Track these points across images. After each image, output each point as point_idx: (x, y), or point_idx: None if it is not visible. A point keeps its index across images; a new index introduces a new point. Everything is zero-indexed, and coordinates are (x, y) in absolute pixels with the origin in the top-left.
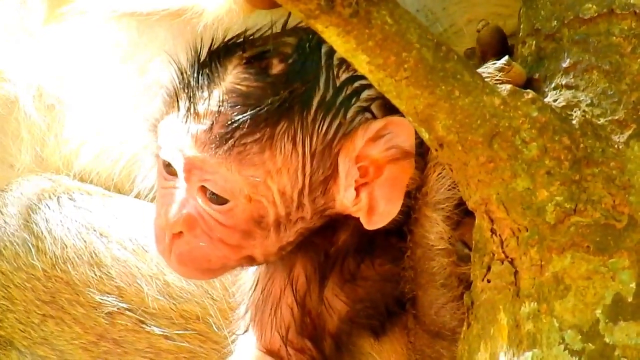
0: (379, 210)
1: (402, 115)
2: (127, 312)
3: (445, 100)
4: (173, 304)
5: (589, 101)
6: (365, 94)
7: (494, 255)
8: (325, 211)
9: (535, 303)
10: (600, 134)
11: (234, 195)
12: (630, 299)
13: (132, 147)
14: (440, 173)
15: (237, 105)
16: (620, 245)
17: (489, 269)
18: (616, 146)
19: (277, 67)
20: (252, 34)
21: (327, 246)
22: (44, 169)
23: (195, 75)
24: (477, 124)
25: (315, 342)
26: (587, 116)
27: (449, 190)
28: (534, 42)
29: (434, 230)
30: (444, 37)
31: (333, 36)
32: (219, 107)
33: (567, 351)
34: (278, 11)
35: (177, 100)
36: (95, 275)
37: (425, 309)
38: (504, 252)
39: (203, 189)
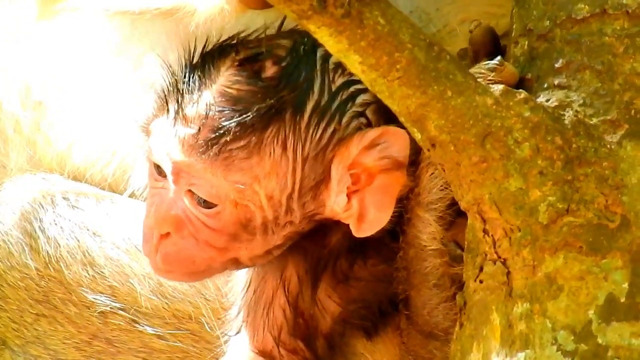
0: (368, 218)
1: (396, 122)
2: (120, 312)
3: (438, 100)
4: (166, 303)
5: (582, 101)
6: (360, 99)
7: (486, 255)
8: (315, 216)
9: (528, 303)
10: (593, 133)
11: (220, 199)
12: (623, 300)
13: (125, 146)
14: (433, 173)
15: (225, 110)
16: (613, 246)
17: (481, 269)
18: (609, 146)
19: (270, 70)
20: (246, 36)
21: (320, 247)
22: (36, 169)
23: (186, 77)
24: (470, 123)
25: (308, 343)
26: (579, 116)
27: (441, 190)
28: (527, 42)
29: (427, 230)
30: (438, 38)
31: (325, 37)
32: (207, 111)
33: (559, 352)
34: (270, 11)
35: (167, 103)
36: (89, 274)
37: (418, 309)
38: (496, 252)
39: (191, 192)
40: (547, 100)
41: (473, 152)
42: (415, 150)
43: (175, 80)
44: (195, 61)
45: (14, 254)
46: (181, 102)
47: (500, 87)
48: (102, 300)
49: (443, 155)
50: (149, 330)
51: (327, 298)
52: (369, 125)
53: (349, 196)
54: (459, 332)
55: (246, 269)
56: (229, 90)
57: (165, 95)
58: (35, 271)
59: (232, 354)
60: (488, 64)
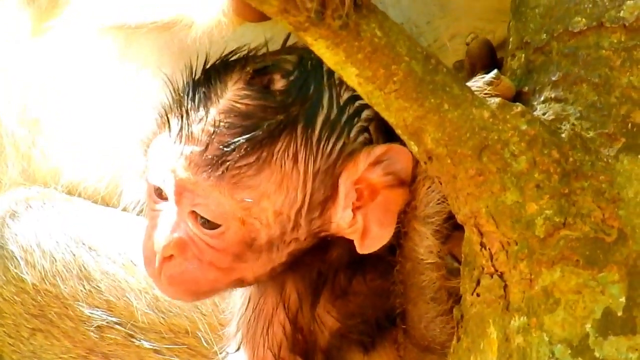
0: (371, 234)
1: (397, 141)
2: (117, 326)
3: (435, 113)
4: (162, 318)
5: (578, 114)
6: (364, 114)
7: (483, 268)
8: (320, 232)
9: (525, 317)
10: (590, 147)
11: (226, 219)
12: (620, 313)
13: (118, 160)
14: (430, 187)
15: (233, 126)
16: (609, 259)
17: (478, 282)
18: (605, 159)
19: (279, 83)
20: (250, 51)
21: (319, 263)
22: (31, 183)
23: (189, 94)
24: (467, 136)
25: (307, 359)
26: (576, 129)
27: (438, 204)
28: (523, 55)
29: (424, 244)
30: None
31: (322, 49)
32: (215, 127)
33: None
34: (267, 25)
35: (169, 120)
36: (85, 289)
37: (414, 322)
38: (493, 265)
39: (194, 213)
40: (544, 114)
41: (470, 165)
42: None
43: (178, 97)
44: (198, 77)
45: (10, 268)
46: (186, 119)
47: (497, 100)
48: (98, 315)
49: (440, 168)
50: (146, 344)
51: (325, 313)
52: (372, 141)
53: (353, 212)
54: (456, 346)
55: None
56: (238, 105)
57: (166, 113)
58: (31, 285)
59: None
60: (484, 77)
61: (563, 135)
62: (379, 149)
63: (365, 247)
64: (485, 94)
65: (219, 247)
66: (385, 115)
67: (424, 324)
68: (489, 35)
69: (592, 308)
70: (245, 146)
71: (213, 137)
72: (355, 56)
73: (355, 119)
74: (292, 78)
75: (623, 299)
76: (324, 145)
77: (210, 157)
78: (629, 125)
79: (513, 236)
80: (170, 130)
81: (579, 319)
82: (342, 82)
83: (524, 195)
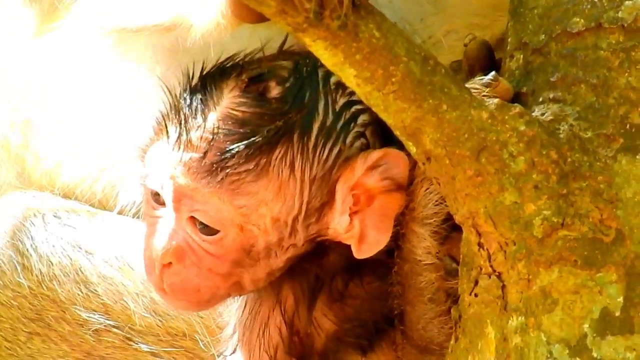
0: (368, 239)
1: (391, 144)
2: (114, 330)
3: (433, 114)
4: (160, 321)
5: (577, 115)
6: (361, 119)
7: (481, 269)
8: (317, 238)
9: (523, 317)
10: (588, 147)
11: (225, 225)
12: (617, 313)
13: (115, 162)
14: (428, 188)
15: (231, 133)
16: (607, 260)
17: (476, 283)
18: (604, 160)
19: (274, 91)
20: (244, 57)
21: (316, 267)
22: (27, 186)
23: (187, 101)
24: (465, 137)
25: None
26: (574, 130)
27: (436, 205)
28: (522, 56)
29: (422, 245)
30: (424, 47)
31: (320, 49)
32: (213, 134)
33: None
34: (266, 26)
35: (167, 126)
36: (82, 292)
37: (413, 323)
38: (491, 266)
39: (192, 219)
40: (542, 114)
41: (468, 166)
42: (410, 167)
43: (176, 103)
44: (194, 84)
45: (7, 272)
46: (184, 126)
47: (496, 100)
48: (95, 318)
49: (438, 169)
50: (143, 347)
51: (322, 316)
52: (368, 146)
53: (350, 217)
54: (454, 346)
55: None
56: (235, 112)
57: (164, 120)
58: (28, 290)
59: None
60: (483, 79)
61: (561, 136)
62: (375, 154)
63: (362, 252)
64: (484, 95)
65: (217, 254)
66: (383, 116)
67: (422, 324)
68: (485, 31)
69: (590, 308)
70: (243, 153)
71: (212, 143)
72: (354, 57)
73: (352, 125)
74: (287, 85)
75: (621, 299)
76: (320, 152)
77: (209, 163)
78: (627, 125)
79: (511, 237)
80: (168, 137)
81: (576, 319)
82: (337, 88)
83: (522, 195)
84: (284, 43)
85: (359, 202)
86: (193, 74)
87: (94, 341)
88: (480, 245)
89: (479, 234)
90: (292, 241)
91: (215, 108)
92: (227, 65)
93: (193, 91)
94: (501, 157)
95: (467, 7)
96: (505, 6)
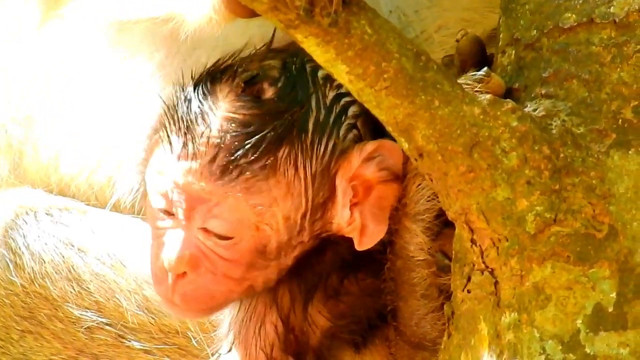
0: (369, 231)
1: (386, 134)
2: (107, 327)
3: (425, 110)
4: (152, 318)
5: (569, 110)
6: (351, 111)
7: (474, 265)
8: (322, 234)
9: (516, 313)
10: (580, 143)
11: (241, 226)
12: (610, 309)
13: (112, 157)
14: (420, 184)
15: (238, 134)
16: (600, 255)
17: (469, 279)
18: (596, 155)
19: (268, 92)
20: (231, 58)
21: (313, 264)
22: (21, 181)
23: (185, 109)
24: (457, 133)
25: (298, 358)
26: (567, 125)
27: (428, 201)
28: (514, 51)
29: (414, 241)
30: (416, 43)
31: (312, 46)
32: (220, 137)
33: None
34: (257, 22)
35: (169, 137)
36: (74, 290)
37: (405, 320)
38: (484, 262)
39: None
40: (535, 110)
41: (460, 161)
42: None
43: (173, 114)
44: (187, 93)
45: None
46: (187, 135)
47: (488, 96)
48: (88, 316)
49: (430, 165)
50: (136, 345)
51: (317, 313)
52: (361, 137)
53: (350, 209)
54: (447, 342)
55: None
56: (236, 115)
57: (164, 131)
58: (20, 288)
59: None
60: (475, 75)
61: (554, 131)
62: (369, 146)
63: (363, 244)
64: (476, 91)
65: (232, 258)
66: (375, 112)
67: (415, 321)
68: (477, 27)
69: (583, 304)
70: (253, 151)
71: (220, 146)
72: (346, 53)
73: (343, 117)
74: (280, 85)
75: (614, 295)
76: (317, 148)
77: (221, 164)
78: (620, 121)
79: (504, 232)
80: (171, 148)
81: (569, 315)
82: (326, 82)
83: (515, 191)
84: (271, 42)
85: (357, 194)
86: (184, 83)
87: (86, 339)
88: (472, 241)
89: (472, 230)
90: (300, 239)
91: (215, 114)
92: (215, 71)
93: (188, 100)
94: (493, 153)
95: (460, 1)
96: (498, 1)
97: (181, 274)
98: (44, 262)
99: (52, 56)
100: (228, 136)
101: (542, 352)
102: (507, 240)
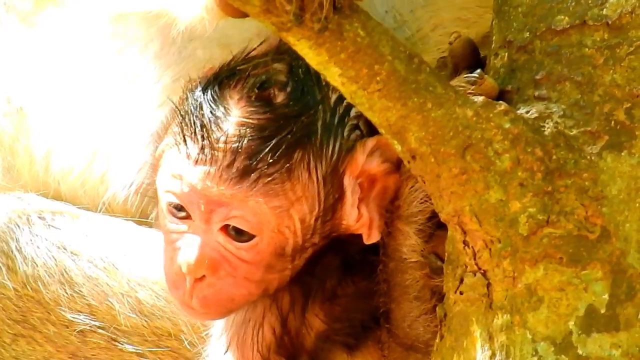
0: (375, 224)
1: None
2: (99, 330)
3: (418, 112)
4: (145, 321)
5: (562, 112)
6: (353, 112)
7: (466, 267)
8: (331, 234)
9: (508, 315)
10: (573, 145)
11: (261, 228)
12: (603, 311)
13: (106, 151)
14: (413, 186)
15: (255, 138)
16: (593, 257)
17: (461, 281)
18: (589, 157)
19: (279, 97)
20: (234, 62)
21: (313, 266)
22: (14, 182)
23: (198, 116)
24: (450, 135)
25: None
26: (559, 127)
27: (421, 203)
28: (507, 53)
29: (407, 243)
30: (411, 42)
31: (305, 49)
32: (238, 142)
33: None
34: (251, 22)
35: (185, 142)
36: (67, 293)
37: (398, 322)
38: (476, 264)
39: (225, 228)
40: (527, 112)
41: (453, 164)
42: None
43: (187, 122)
44: (199, 95)
45: None
46: (203, 141)
47: (481, 98)
48: (81, 319)
49: (423, 167)
50: (129, 348)
51: (313, 316)
52: (363, 136)
53: (358, 206)
54: (440, 344)
55: None
56: (250, 120)
57: (181, 135)
58: (13, 291)
59: None
60: (468, 77)
61: (546, 133)
62: (370, 142)
63: (372, 237)
64: (469, 93)
65: (252, 260)
66: (368, 114)
67: (407, 322)
68: (472, 27)
69: (575, 305)
70: (270, 154)
71: (238, 150)
72: (338, 56)
73: (346, 118)
74: (289, 89)
75: (606, 296)
76: (326, 150)
77: (240, 168)
78: (612, 123)
79: (496, 234)
80: (188, 153)
81: (562, 317)
82: (329, 85)
83: (508, 193)
84: (278, 46)
85: (363, 189)
86: (193, 89)
87: (79, 342)
88: (465, 243)
89: (464, 232)
90: (313, 240)
91: (228, 120)
92: (222, 75)
93: (199, 105)
94: (486, 155)
95: (455, 1)
96: (492, 2)
97: (199, 278)
98: (37, 265)
99: (44, 47)
100: (245, 141)
101: (534, 353)
102: (500, 242)
